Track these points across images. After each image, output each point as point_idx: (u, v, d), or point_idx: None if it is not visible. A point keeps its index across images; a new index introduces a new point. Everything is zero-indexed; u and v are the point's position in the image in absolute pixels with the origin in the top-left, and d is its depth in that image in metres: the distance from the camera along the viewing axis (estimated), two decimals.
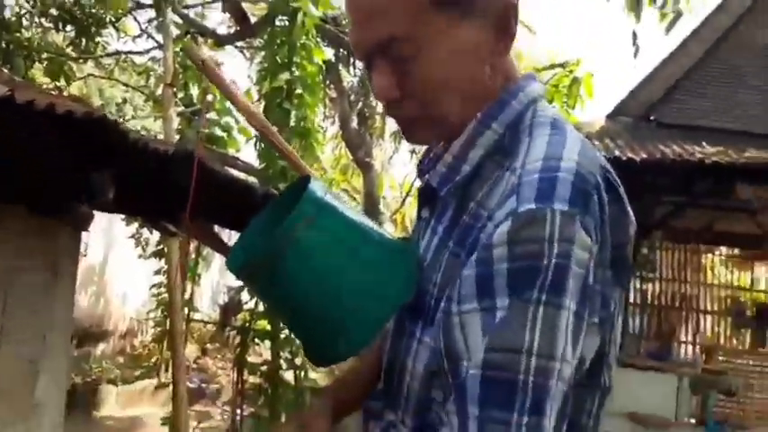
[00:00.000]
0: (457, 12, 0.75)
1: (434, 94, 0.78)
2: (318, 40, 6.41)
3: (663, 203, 6.14)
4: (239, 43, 8.03)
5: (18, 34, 6.61)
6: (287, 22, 6.01)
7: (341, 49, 7.40)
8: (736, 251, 7.60)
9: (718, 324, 7.14)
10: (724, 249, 7.74)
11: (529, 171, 0.71)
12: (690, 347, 6.85)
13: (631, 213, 0.77)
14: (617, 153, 5.21)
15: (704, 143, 5.61)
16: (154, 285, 6.96)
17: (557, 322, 0.66)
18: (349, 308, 0.82)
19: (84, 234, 2.97)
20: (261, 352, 6.35)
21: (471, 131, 0.80)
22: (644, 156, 5.16)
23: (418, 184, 1.00)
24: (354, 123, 8.28)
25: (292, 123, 5.79)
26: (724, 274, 7.83)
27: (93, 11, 6.86)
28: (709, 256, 7.58)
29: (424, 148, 0.95)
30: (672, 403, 5.16)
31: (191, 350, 8.26)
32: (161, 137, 6.21)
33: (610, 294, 0.73)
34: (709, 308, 7.10)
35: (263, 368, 5.25)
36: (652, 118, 6.52)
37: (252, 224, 0.97)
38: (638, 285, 6.59)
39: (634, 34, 5.91)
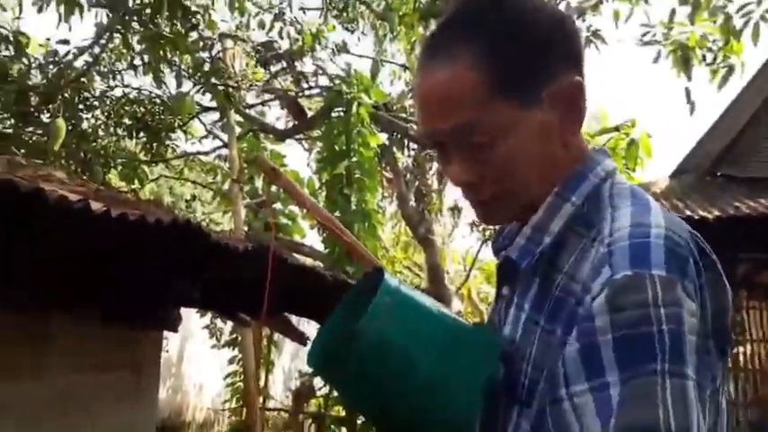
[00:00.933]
0: (523, 98, 0.77)
1: (509, 177, 0.80)
2: (372, 126, 6.68)
3: (742, 261, 5.86)
4: (298, 136, 8.40)
5: (95, 143, 7.14)
6: (342, 113, 6.30)
7: (394, 133, 7.64)
8: None
9: None
10: None
11: (618, 238, 0.70)
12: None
13: (726, 280, 0.74)
14: (688, 212, 5.07)
15: None
16: (228, 375, 7.04)
17: (686, 392, 0.62)
18: (438, 403, 0.81)
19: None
20: None
21: (550, 204, 0.81)
22: (717, 213, 4.99)
23: (494, 261, 1.01)
24: (412, 201, 8.40)
25: (354, 207, 5.95)
26: None
27: (163, 117, 7.37)
28: None
29: (478, 219, 0.96)
30: None
31: None
32: (229, 228, 6.49)
33: (715, 365, 0.70)
34: None
35: None
36: (719, 173, 6.34)
37: (328, 320, 0.97)
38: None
39: (687, 91, 5.87)
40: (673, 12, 5.88)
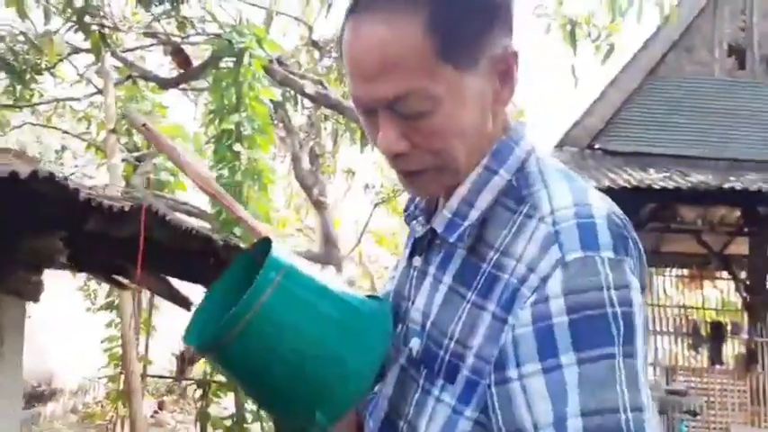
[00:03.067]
0: (464, 63, 0.74)
1: (445, 146, 0.76)
2: (266, 80, 6.38)
3: None
4: (183, 85, 7.89)
5: None
6: (232, 64, 5.96)
7: (288, 89, 7.38)
8: (685, 272, 7.84)
9: (674, 344, 7.30)
10: (674, 271, 7.98)
11: (563, 218, 0.71)
12: (650, 369, 6.96)
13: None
14: None
15: (650, 169, 5.81)
16: (105, 339, 6.63)
17: (637, 372, 0.65)
18: (326, 376, 0.78)
19: None
20: (224, 404, 6.10)
21: (478, 177, 0.79)
22: (594, 184, 5.29)
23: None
24: (306, 162, 8.23)
25: (244, 165, 5.70)
26: (675, 294, 8.05)
27: (28, 57, 6.63)
28: (660, 277, 7.79)
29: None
30: None
31: (147, 404, 7.88)
32: (104, 183, 6.01)
33: None
34: (665, 329, 7.27)
35: (228, 422, 5.02)
36: (597, 147, 6.73)
37: (209, 294, 0.91)
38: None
39: (573, 66, 6.13)
40: None
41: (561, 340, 0.65)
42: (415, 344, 0.79)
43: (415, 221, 0.90)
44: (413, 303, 0.84)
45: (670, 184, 5.33)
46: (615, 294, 0.66)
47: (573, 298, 0.66)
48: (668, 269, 7.93)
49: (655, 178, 5.51)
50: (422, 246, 0.87)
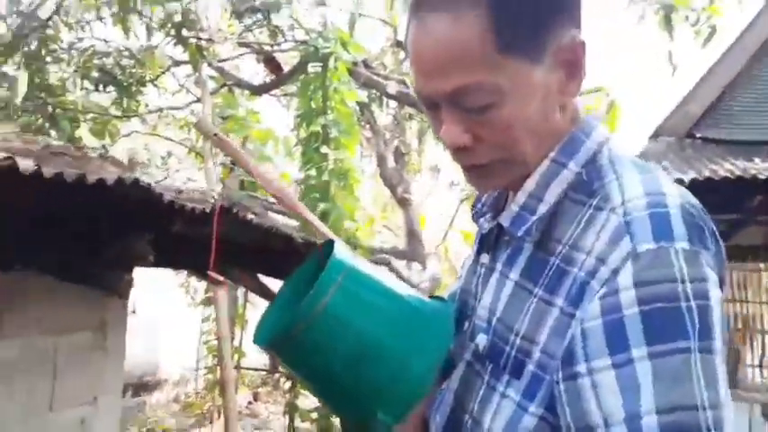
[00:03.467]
0: (526, 55, 0.72)
1: (510, 140, 0.75)
2: (351, 82, 6.52)
3: (718, 222, 5.90)
4: (275, 91, 8.21)
5: (62, 97, 6.91)
6: (319, 69, 6.13)
7: (373, 90, 7.49)
8: None
9: None
10: None
11: (635, 207, 0.68)
12: (758, 371, 6.46)
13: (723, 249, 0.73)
14: None
15: (755, 158, 5.40)
16: (204, 333, 7.03)
17: (716, 369, 0.62)
18: (386, 376, 0.79)
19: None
20: (312, 397, 6.30)
21: (546, 170, 0.78)
22: (693, 175, 4.99)
23: (471, 222, 0.96)
24: (391, 161, 8.32)
25: (331, 166, 5.85)
26: None
27: (134, 71, 7.13)
28: None
29: (470, 184, 0.91)
30: None
31: (242, 395, 8.27)
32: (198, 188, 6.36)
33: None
34: None
35: (315, 414, 5.19)
36: (697, 135, 6.33)
37: (277, 295, 0.95)
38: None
39: (669, 52, 5.80)
40: None
41: (632, 333, 0.62)
42: (481, 340, 0.79)
43: (482, 219, 0.90)
44: (480, 300, 0.84)
45: None
46: (690, 287, 0.63)
47: (645, 290, 0.63)
48: None
49: (760, 167, 5.11)
50: (489, 242, 0.86)
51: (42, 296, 2.27)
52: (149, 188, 1.46)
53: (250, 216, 2.18)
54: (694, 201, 0.71)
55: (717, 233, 0.72)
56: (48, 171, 1.10)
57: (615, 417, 0.61)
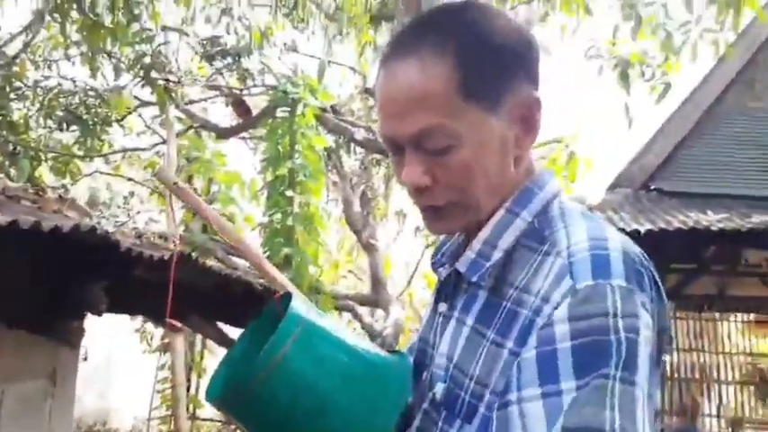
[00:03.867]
0: (486, 105, 0.77)
1: (465, 182, 0.79)
2: (319, 128, 6.59)
3: (672, 272, 6.06)
4: (243, 134, 8.23)
5: (24, 135, 6.80)
6: (288, 114, 6.19)
7: (341, 136, 7.57)
8: (752, 316, 7.42)
9: (741, 394, 6.86)
10: (739, 316, 7.56)
11: (578, 250, 0.72)
12: (715, 421, 6.55)
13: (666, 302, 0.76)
14: (621, 225, 5.20)
15: (708, 210, 5.60)
16: (159, 381, 6.80)
17: (635, 400, 0.63)
18: (344, 430, 0.79)
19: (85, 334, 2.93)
20: None
21: (500, 219, 0.82)
22: (649, 226, 5.14)
23: (435, 278, 0.98)
24: (357, 206, 8.35)
25: (296, 210, 5.85)
26: (741, 341, 7.61)
27: (99, 110, 7.08)
28: (725, 323, 7.40)
29: (426, 226, 0.94)
30: None
31: None
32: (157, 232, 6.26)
33: (656, 377, 0.71)
34: (730, 377, 6.85)
35: None
36: (652, 188, 6.55)
37: (229, 351, 0.93)
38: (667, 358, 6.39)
39: (626, 106, 6.03)
40: (616, 28, 6.03)
41: (563, 366, 0.65)
42: (438, 388, 0.80)
43: (441, 268, 0.93)
44: (437, 349, 0.85)
45: (729, 226, 5.11)
46: (621, 322, 0.65)
47: (578, 324, 0.66)
48: (734, 314, 7.52)
49: (713, 219, 5.30)
50: (447, 291, 0.89)
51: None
52: (106, 235, 1.44)
53: (210, 263, 2.16)
54: (636, 249, 0.75)
55: (659, 282, 0.75)
56: (2, 219, 1.08)
57: None
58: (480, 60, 0.77)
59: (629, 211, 5.83)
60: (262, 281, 2.96)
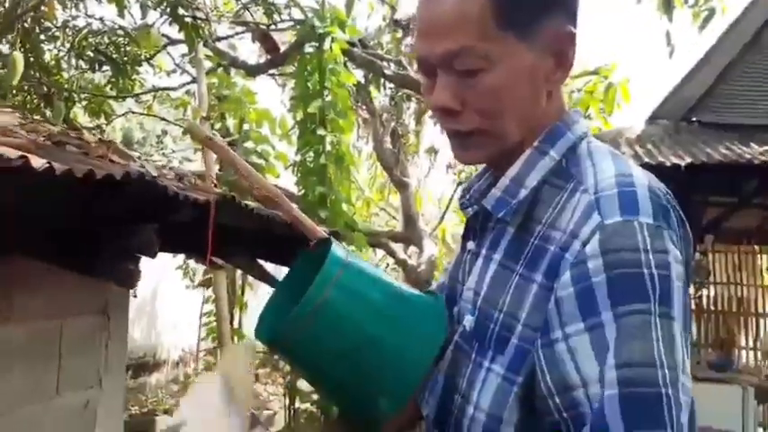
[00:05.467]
0: (520, 33, 0.78)
1: (496, 109, 0.80)
2: (347, 63, 6.47)
3: (712, 206, 5.95)
4: (271, 71, 8.14)
5: (57, 77, 6.84)
6: (315, 49, 6.08)
7: (370, 71, 7.44)
8: None
9: None
10: None
11: (605, 187, 0.73)
12: (752, 354, 6.55)
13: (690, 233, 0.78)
14: (660, 158, 5.08)
15: (751, 143, 5.42)
16: (204, 314, 7.06)
17: (674, 334, 0.66)
18: (386, 365, 0.83)
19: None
20: None
21: (529, 157, 0.82)
22: (688, 159, 5.01)
23: (463, 215, 1.00)
24: (388, 143, 8.29)
25: (328, 148, 5.83)
26: None
27: (128, 50, 7.06)
28: (764, 256, 7.29)
29: (460, 166, 0.96)
30: (738, 415, 4.92)
31: None
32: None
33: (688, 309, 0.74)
34: None
35: (315, 395, 5.25)
36: (693, 119, 6.33)
37: (275, 291, 0.98)
38: (692, 292, 6.36)
39: (668, 34, 5.77)
40: None
41: (601, 298, 0.66)
42: (467, 321, 0.83)
43: (470, 207, 0.95)
44: (465, 284, 0.88)
45: None
46: (653, 257, 0.67)
47: (610, 257, 0.67)
48: None
49: (756, 152, 5.13)
50: (475, 229, 0.91)
51: (46, 281, 2.29)
52: (155, 181, 1.48)
53: (250, 204, 2.20)
54: (662, 185, 0.77)
55: (684, 219, 0.77)
56: (59, 168, 1.11)
57: (590, 376, 0.65)
58: None
59: (669, 144, 5.68)
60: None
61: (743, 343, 6.57)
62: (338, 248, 0.87)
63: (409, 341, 0.83)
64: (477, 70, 0.78)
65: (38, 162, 1.08)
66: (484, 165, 0.97)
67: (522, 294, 0.75)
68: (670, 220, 0.72)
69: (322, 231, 1.14)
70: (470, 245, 0.91)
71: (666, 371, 0.63)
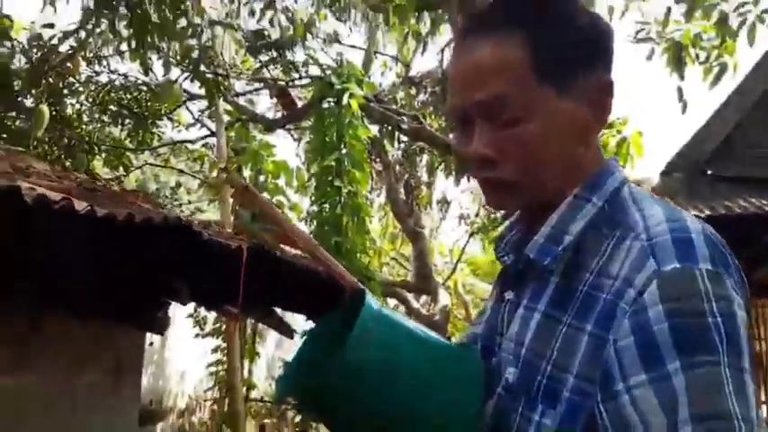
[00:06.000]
0: (560, 87, 0.78)
1: (535, 159, 0.79)
2: (363, 118, 6.59)
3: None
4: (288, 125, 8.30)
5: (79, 130, 7.00)
6: (333, 104, 6.21)
7: (385, 124, 7.57)
8: None
9: None
10: None
11: (658, 233, 0.71)
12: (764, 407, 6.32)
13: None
14: None
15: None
16: (211, 364, 6.96)
17: (745, 385, 0.63)
18: (425, 426, 0.78)
19: None
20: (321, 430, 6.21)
21: (570, 204, 0.81)
22: (707, 212, 4.99)
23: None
24: (401, 194, 8.35)
25: (344, 199, 5.88)
26: None
27: (149, 104, 7.24)
28: None
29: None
30: None
31: (248, 427, 8.14)
32: (216, 218, 6.40)
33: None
34: None
35: None
36: (708, 172, 6.34)
37: (303, 343, 0.94)
38: None
39: (680, 90, 5.84)
40: (668, 10, 5.84)
41: (664, 347, 0.63)
42: (510, 373, 0.79)
43: (506, 257, 0.92)
44: (505, 335, 0.85)
45: None
46: (716, 305, 0.64)
47: (671, 305, 0.64)
48: None
49: None
50: (513, 279, 0.88)
51: (62, 334, 2.28)
52: (190, 226, 1.48)
53: (276, 252, 2.20)
54: (716, 233, 0.74)
55: (740, 267, 0.74)
56: (100, 210, 1.12)
57: (656, 430, 0.62)
58: (559, 41, 0.79)
59: (686, 197, 5.67)
60: (321, 269, 3.00)
61: (762, 398, 6.37)
62: (373, 302, 0.83)
63: (451, 395, 0.79)
64: (516, 120, 0.77)
65: (80, 205, 1.09)
66: (516, 214, 0.95)
67: (572, 345, 0.72)
68: (729, 266, 0.69)
69: (356, 282, 1.11)
70: (509, 295, 0.88)
71: (742, 424, 0.60)
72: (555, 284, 0.78)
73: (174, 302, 1.88)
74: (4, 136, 5.64)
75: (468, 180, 7.76)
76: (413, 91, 8.34)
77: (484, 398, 0.81)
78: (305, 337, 0.96)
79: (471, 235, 9.97)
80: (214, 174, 7.16)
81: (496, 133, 0.79)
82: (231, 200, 5.66)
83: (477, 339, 0.97)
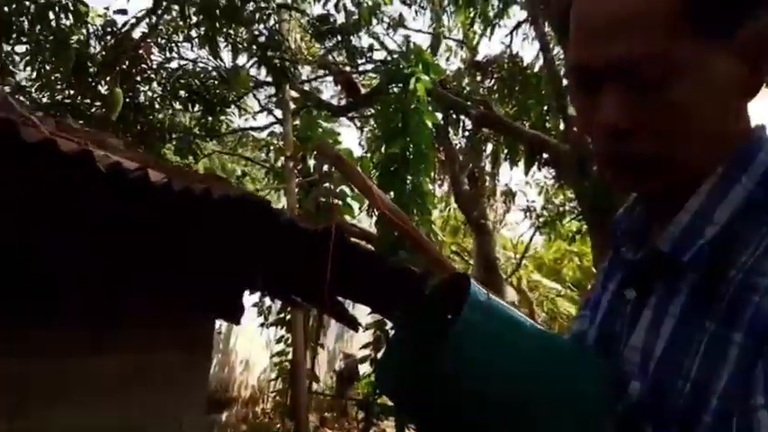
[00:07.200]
0: (716, 36, 0.61)
1: (681, 131, 0.64)
2: (430, 104, 6.43)
3: None
4: (351, 113, 8.26)
5: (151, 116, 7.15)
6: (399, 89, 6.08)
7: (451, 112, 7.39)
8: None
9: None
10: None
11: None
12: None
13: None
14: None
15: None
16: (275, 354, 7.01)
17: None
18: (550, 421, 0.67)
19: None
20: (384, 428, 6.15)
21: (714, 185, 0.66)
22: None
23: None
24: (466, 185, 8.16)
25: (408, 188, 5.75)
26: None
27: (218, 91, 7.32)
28: None
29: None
30: None
31: (310, 419, 8.21)
32: (281, 206, 6.40)
33: None
34: None
35: None
36: None
37: (395, 336, 0.86)
38: None
39: None
40: None
41: None
42: (634, 388, 0.67)
43: (623, 248, 0.78)
44: (628, 341, 0.71)
45: None
46: None
47: None
48: None
49: None
50: (636, 275, 0.74)
51: (138, 316, 2.27)
52: (269, 207, 1.38)
53: (353, 240, 2.10)
54: None
55: None
56: (177, 184, 1.02)
57: None
58: None
59: None
60: (392, 259, 2.88)
61: None
62: (478, 288, 0.71)
63: (573, 396, 0.68)
64: (660, 81, 0.61)
65: (156, 176, 0.99)
66: (632, 197, 0.81)
67: (716, 359, 0.60)
68: None
69: (444, 259, 0.98)
70: (630, 293, 0.74)
71: None
72: (694, 283, 0.65)
73: (247, 290, 1.82)
74: (81, 121, 5.79)
75: (536, 171, 7.46)
76: (478, 77, 8.12)
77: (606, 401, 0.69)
78: (396, 333, 0.87)
79: (537, 229, 9.67)
80: (281, 161, 7.17)
81: (634, 98, 0.63)
82: (296, 189, 5.64)
83: (585, 338, 0.82)
